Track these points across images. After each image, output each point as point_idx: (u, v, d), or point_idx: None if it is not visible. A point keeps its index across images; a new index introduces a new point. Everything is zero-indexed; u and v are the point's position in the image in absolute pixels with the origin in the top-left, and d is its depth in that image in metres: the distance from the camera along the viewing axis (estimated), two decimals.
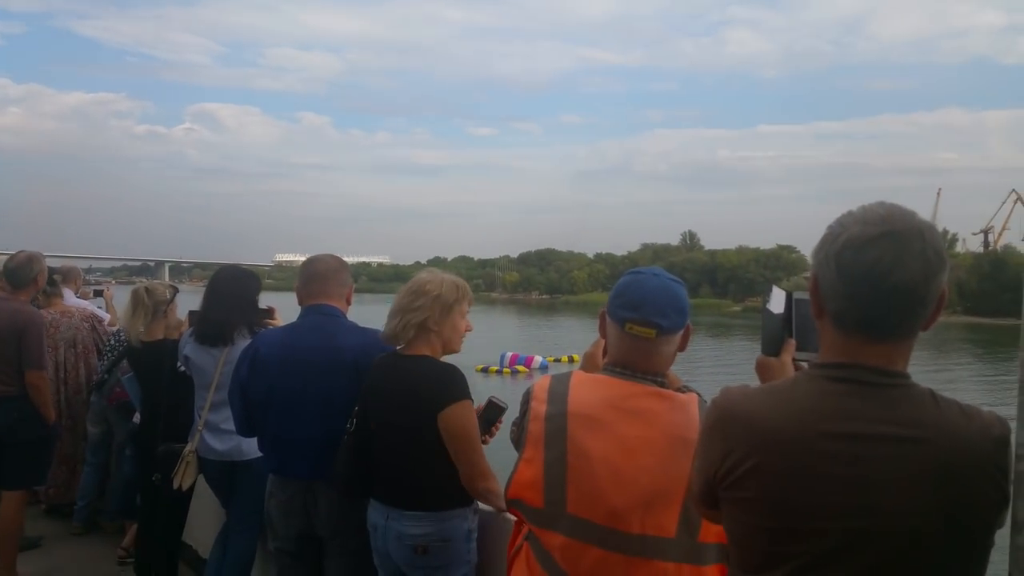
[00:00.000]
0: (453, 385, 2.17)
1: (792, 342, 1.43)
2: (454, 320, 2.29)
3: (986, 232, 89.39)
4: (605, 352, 1.65)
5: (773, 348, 1.44)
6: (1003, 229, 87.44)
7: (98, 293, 5.98)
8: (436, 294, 2.25)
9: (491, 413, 2.39)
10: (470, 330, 2.37)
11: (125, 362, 3.91)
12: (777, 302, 1.45)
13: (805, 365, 1.40)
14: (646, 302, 1.53)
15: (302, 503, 2.50)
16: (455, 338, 2.32)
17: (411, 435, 2.18)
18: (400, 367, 2.25)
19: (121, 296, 5.55)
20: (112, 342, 4.42)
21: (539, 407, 1.56)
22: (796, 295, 1.43)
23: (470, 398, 2.19)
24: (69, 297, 4.84)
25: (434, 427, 2.13)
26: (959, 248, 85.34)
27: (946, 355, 36.75)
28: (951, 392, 1.11)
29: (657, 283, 1.56)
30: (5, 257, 4.10)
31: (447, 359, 2.32)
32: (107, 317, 5.19)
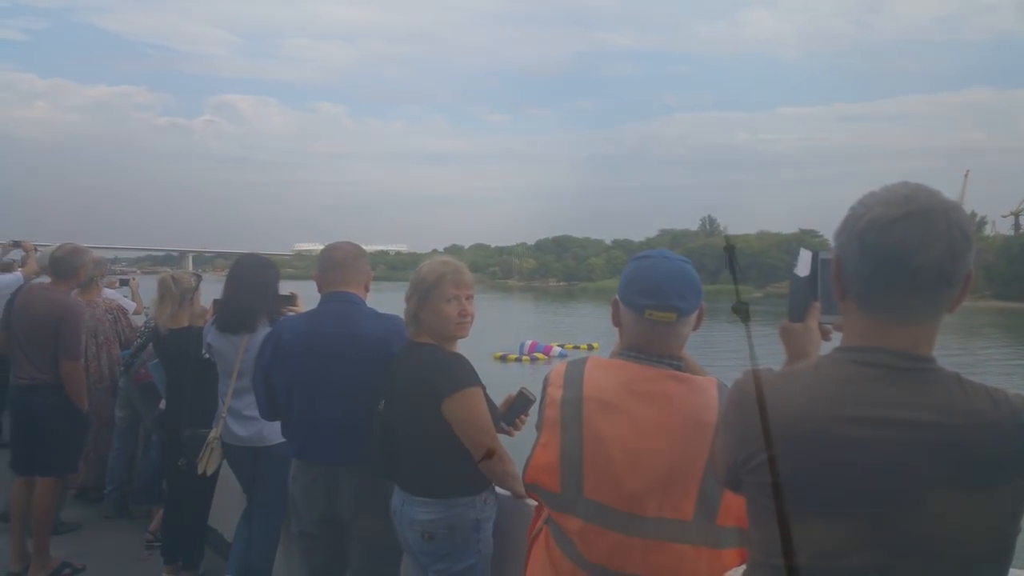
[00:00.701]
0: (455, 374, 2.15)
1: (817, 305, 1.38)
2: (435, 304, 2.19)
3: (1016, 214, 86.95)
4: None
5: (799, 313, 1.39)
6: None
7: (124, 283, 6.11)
8: (416, 281, 2.21)
9: (520, 404, 2.34)
10: (466, 315, 2.22)
11: (151, 347, 4.00)
12: (804, 265, 1.39)
13: (830, 327, 1.36)
14: (663, 287, 1.52)
15: (325, 487, 2.53)
16: (440, 323, 2.20)
17: (418, 423, 2.19)
18: (410, 356, 2.26)
19: (146, 285, 5.66)
20: (142, 329, 4.50)
21: (555, 392, 1.56)
22: (822, 255, 1.36)
23: (476, 385, 2.16)
24: None
25: (439, 416, 2.13)
26: (988, 231, 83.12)
27: (974, 340, 35.94)
28: (979, 378, 1.08)
29: (670, 266, 1.55)
30: (48, 249, 4.19)
31: (461, 345, 2.29)
32: (133, 306, 5.31)
